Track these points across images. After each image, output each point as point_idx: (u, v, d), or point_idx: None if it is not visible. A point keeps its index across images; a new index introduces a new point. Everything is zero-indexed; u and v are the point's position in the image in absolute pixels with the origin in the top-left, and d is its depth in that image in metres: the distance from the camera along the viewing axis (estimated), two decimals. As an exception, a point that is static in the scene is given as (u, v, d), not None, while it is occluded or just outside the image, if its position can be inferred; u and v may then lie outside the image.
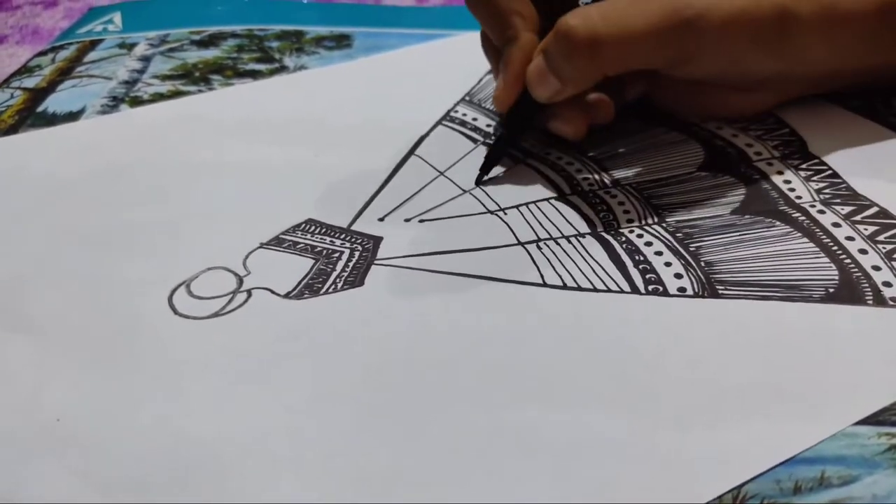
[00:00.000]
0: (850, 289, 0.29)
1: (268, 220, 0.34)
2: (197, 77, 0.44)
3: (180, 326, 0.29)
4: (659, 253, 0.31)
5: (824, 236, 0.32)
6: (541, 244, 0.32)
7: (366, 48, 0.47)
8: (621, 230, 0.33)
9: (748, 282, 0.30)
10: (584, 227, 0.33)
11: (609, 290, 0.30)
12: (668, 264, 0.31)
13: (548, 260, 0.31)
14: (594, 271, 0.31)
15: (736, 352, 0.27)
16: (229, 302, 0.30)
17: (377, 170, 0.37)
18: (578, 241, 0.32)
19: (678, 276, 0.30)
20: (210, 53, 0.47)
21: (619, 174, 0.36)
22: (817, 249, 0.31)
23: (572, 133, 0.36)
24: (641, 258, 0.31)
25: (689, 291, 0.30)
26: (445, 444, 0.25)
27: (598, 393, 0.26)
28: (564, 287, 0.30)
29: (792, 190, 0.34)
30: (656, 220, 0.33)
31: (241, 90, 0.44)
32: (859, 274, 0.30)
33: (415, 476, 0.24)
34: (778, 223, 0.32)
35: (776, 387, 0.26)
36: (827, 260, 0.30)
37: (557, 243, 0.32)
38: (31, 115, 0.43)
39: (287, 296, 0.30)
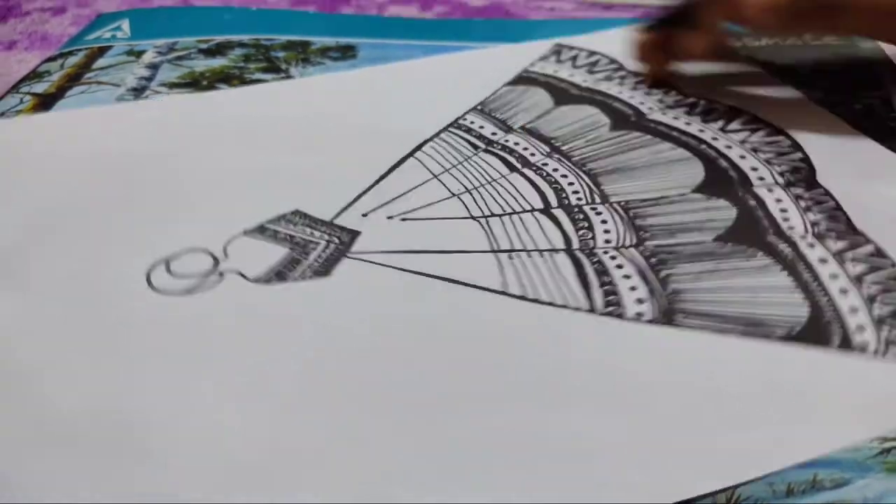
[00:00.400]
0: (817, 330, 0.28)
1: (258, 210, 0.35)
2: (204, 85, 0.46)
3: (152, 299, 0.31)
4: (627, 276, 0.31)
5: (806, 272, 0.30)
6: (513, 255, 0.32)
7: (371, 59, 0.48)
8: (595, 250, 0.32)
9: (710, 313, 0.29)
10: (560, 243, 0.33)
11: (565, 307, 0.30)
12: (632, 288, 0.30)
13: (516, 270, 0.31)
14: (558, 287, 0.30)
15: (673, 383, 0.26)
16: (202, 282, 0.32)
17: (373, 169, 0.38)
18: (551, 256, 0.32)
19: (640, 300, 0.30)
20: (217, 62, 0.48)
21: (611, 190, 0.35)
22: (794, 285, 0.30)
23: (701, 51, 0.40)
24: (608, 280, 0.31)
25: (647, 317, 0.29)
26: (375, 433, 0.25)
27: (521, 402, 0.26)
28: (523, 298, 0.30)
29: (786, 219, 0.33)
30: (635, 242, 0.32)
31: (257, 90, 0.46)
32: (832, 315, 0.28)
33: (342, 455, 0.25)
34: (759, 254, 0.31)
35: (703, 425, 0.25)
36: (801, 297, 0.29)
37: (529, 255, 0.32)
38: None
39: (256, 280, 0.32)
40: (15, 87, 0.46)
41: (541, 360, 0.28)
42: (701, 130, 0.39)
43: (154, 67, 0.48)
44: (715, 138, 0.38)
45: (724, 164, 0.36)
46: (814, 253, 0.31)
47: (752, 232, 0.32)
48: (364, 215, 0.35)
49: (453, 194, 0.36)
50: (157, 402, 0.27)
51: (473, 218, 0.34)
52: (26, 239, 0.34)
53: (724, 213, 0.34)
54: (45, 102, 0.44)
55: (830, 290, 0.29)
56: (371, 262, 0.32)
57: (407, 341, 0.29)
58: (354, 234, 0.34)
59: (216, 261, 0.33)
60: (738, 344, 0.28)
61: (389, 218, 0.35)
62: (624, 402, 0.26)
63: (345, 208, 0.35)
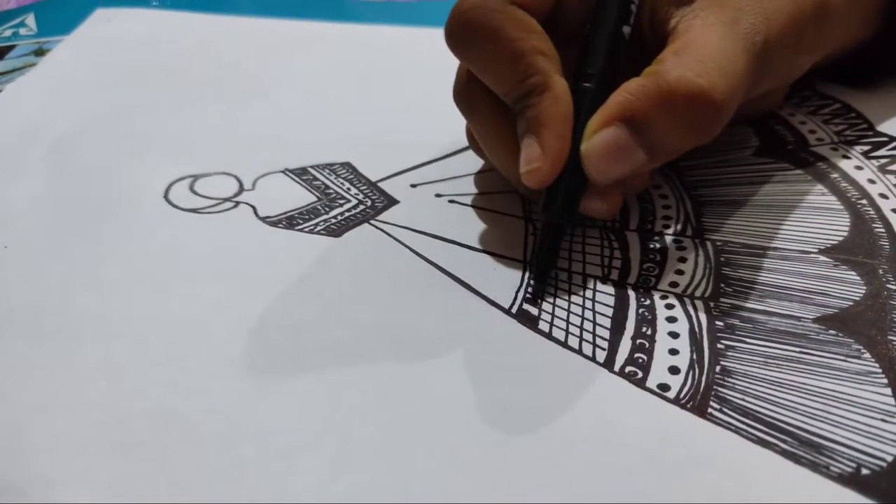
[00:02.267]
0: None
1: (311, 152, 0.32)
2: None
3: (160, 208, 0.30)
4: (674, 335, 0.24)
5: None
6: (551, 272, 0.26)
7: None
8: (653, 290, 0.25)
9: (757, 414, 0.21)
10: (614, 272, 0.26)
11: (576, 352, 0.23)
12: (673, 352, 0.23)
13: (537, 291, 0.25)
14: (580, 325, 0.24)
15: (671, 487, 0.19)
16: (215, 206, 0.30)
17: (448, 140, 0.33)
18: (595, 284, 0.26)
19: (674, 370, 0.23)
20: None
21: (713, 224, 0.28)
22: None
23: (608, 212, 0.26)
24: (647, 331, 0.24)
25: (671, 394, 0.22)
26: (340, 399, 0.22)
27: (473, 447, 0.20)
28: (531, 327, 0.24)
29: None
30: (709, 294, 0.25)
31: (371, 30, 0.43)
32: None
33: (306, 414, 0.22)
34: (866, 355, 0.22)
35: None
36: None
37: (569, 278, 0.26)
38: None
39: (264, 219, 0.29)
40: None
41: (520, 401, 0.22)
42: (871, 181, 0.29)
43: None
44: (884, 195, 0.29)
45: (880, 228, 0.27)
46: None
47: (878, 325, 0.23)
48: (413, 186, 0.31)
49: (517, 191, 0.30)
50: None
51: (526, 219, 0.29)
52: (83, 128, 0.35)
53: (849, 288, 0.25)
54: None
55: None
56: (389, 234, 0.28)
57: (382, 325, 0.24)
58: (391, 202, 0.30)
59: (240, 189, 0.30)
60: (776, 464, 0.20)
61: (438, 196, 0.30)
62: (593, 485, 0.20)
63: (398, 173, 0.31)
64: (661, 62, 0.24)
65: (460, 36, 0.25)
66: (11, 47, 0.42)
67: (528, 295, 0.25)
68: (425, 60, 0.39)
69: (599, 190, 0.26)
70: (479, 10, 0.25)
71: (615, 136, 0.24)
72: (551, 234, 0.26)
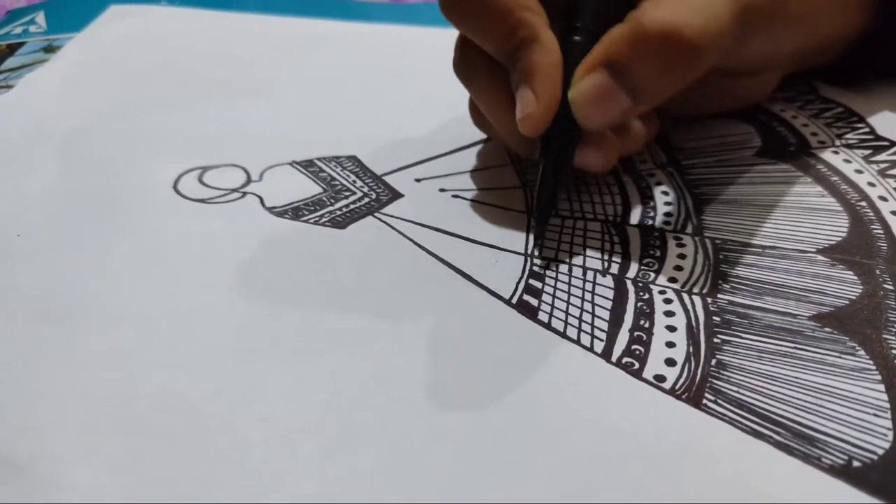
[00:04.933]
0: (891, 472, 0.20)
1: (318, 146, 0.33)
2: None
3: (169, 198, 0.30)
4: (671, 328, 0.24)
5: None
6: (551, 264, 0.27)
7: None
8: (651, 285, 0.26)
9: (751, 406, 0.21)
10: (614, 265, 0.26)
11: (575, 342, 0.24)
12: (670, 344, 0.23)
13: (540, 282, 0.26)
14: (578, 315, 0.25)
15: (666, 476, 0.20)
16: (223, 196, 0.30)
17: (453, 137, 0.33)
18: (595, 276, 0.26)
19: (670, 361, 0.23)
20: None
21: (712, 222, 0.28)
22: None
23: (603, 164, 0.28)
24: (645, 324, 0.24)
25: (667, 385, 0.22)
26: (341, 385, 0.23)
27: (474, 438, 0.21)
28: (530, 317, 0.25)
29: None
30: (706, 290, 0.25)
31: (367, 29, 0.43)
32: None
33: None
34: (861, 352, 0.23)
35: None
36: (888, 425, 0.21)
37: (570, 270, 0.26)
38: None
39: (270, 209, 0.29)
40: None
41: (519, 392, 0.22)
42: (871, 184, 0.30)
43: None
44: (884, 198, 0.29)
45: (878, 229, 0.28)
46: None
47: (874, 323, 0.24)
48: (417, 180, 0.31)
49: (522, 185, 0.31)
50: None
51: (528, 213, 0.29)
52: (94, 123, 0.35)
53: (847, 287, 0.25)
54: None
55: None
56: (395, 228, 0.28)
57: (384, 318, 0.25)
58: (396, 196, 0.30)
59: (248, 181, 0.31)
60: (770, 455, 0.20)
61: (442, 190, 0.30)
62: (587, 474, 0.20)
63: (403, 167, 0.32)
64: (640, 7, 0.25)
65: (451, 1, 0.27)
66: (21, 44, 0.43)
67: (525, 293, 0.26)
68: (430, 59, 0.39)
69: (595, 141, 0.27)
70: None
71: (599, 81, 0.25)
72: (550, 177, 0.27)
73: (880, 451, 0.20)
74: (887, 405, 0.21)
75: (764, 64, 0.32)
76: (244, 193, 0.30)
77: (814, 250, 0.27)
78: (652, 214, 0.29)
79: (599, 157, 0.27)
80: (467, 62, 0.28)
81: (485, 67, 0.28)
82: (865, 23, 0.33)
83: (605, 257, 0.27)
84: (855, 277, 0.26)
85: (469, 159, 0.32)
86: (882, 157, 0.31)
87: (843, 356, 0.23)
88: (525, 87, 0.26)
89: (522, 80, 0.26)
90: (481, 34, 0.27)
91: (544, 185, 0.27)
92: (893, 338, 0.23)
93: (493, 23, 0.26)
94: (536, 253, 0.27)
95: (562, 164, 0.27)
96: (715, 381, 0.22)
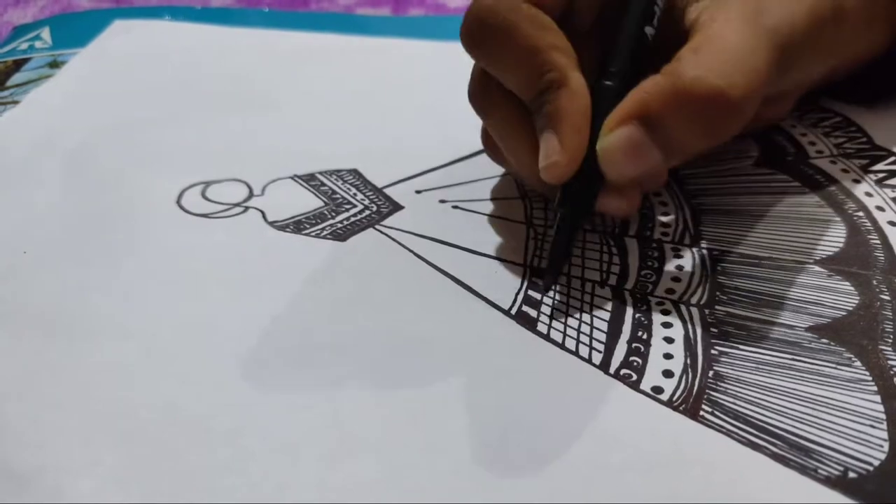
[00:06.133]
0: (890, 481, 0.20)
1: (319, 160, 0.33)
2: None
3: (173, 213, 0.31)
4: (669, 340, 0.24)
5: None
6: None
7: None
8: (650, 296, 0.26)
9: (748, 418, 0.22)
10: (612, 277, 0.27)
11: (573, 354, 0.24)
12: (667, 356, 0.24)
13: (540, 293, 0.26)
14: (577, 327, 0.25)
15: (663, 488, 0.20)
16: (225, 211, 0.30)
17: (452, 148, 0.33)
18: (593, 287, 0.26)
19: (667, 373, 0.23)
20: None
21: (711, 233, 0.28)
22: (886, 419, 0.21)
23: (627, 209, 0.27)
24: (643, 335, 0.24)
25: (665, 397, 0.22)
26: (341, 396, 0.23)
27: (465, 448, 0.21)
28: (529, 328, 0.25)
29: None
30: (704, 301, 0.26)
31: (368, 42, 0.44)
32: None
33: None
34: (857, 364, 0.23)
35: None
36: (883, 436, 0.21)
37: (569, 281, 0.27)
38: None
39: (272, 223, 0.30)
40: None
41: (516, 400, 0.22)
42: (869, 194, 0.30)
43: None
44: (881, 208, 0.29)
45: (875, 240, 0.28)
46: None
47: (870, 335, 0.24)
48: (418, 192, 0.31)
49: (521, 196, 0.31)
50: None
51: (527, 224, 0.29)
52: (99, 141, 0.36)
53: (843, 298, 0.25)
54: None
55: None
56: (395, 239, 0.29)
57: (385, 328, 0.25)
58: (396, 208, 0.30)
59: (250, 195, 0.31)
60: (767, 466, 0.20)
61: (442, 202, 0.31)
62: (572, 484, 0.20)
63: (403, 180, 0.32)
64: (680, 60, 0.24)
65: (476, 37, 0.26)
66: (27, 59, 0.43)
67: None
68: (430, 73, 0.40)
69: (617, 187, 0.26)
70: (493, 10, 0.25)
71: (631, 134, 0.24)
72: (567, 227, 0.26)
73: (876, 462, 0.20)
74: (883, 416, 0.21)
75: (792, 90, 0.31)
76: (246, 208, 0.30)
77: (811, 261, 0.27)
78: (650, 226, 0.29)
79: (623, 204, 0.26)
80: (486, 96, 0.27)
81: (506, 104, 0.26)
82: (892, 38, 0.32)
83: (604, 269, 0.27)
84: (852, 288, 0.26)
85: (469, 170, 0.32)
86: (880, 166, 0.31)
87: (839, 367, 0.23)
88: (550, 133, 0.24)
89: (548, 125, 0.25)
90: (506, 74, 0.26)
91: (561, 235, 0.26)
92: (889, 349, 0.23)
93: (519, 62, 0.25)
94: (542, 288, 0.26)
95: (582, 214, 0.26)
96: (712, 393, 0.22)
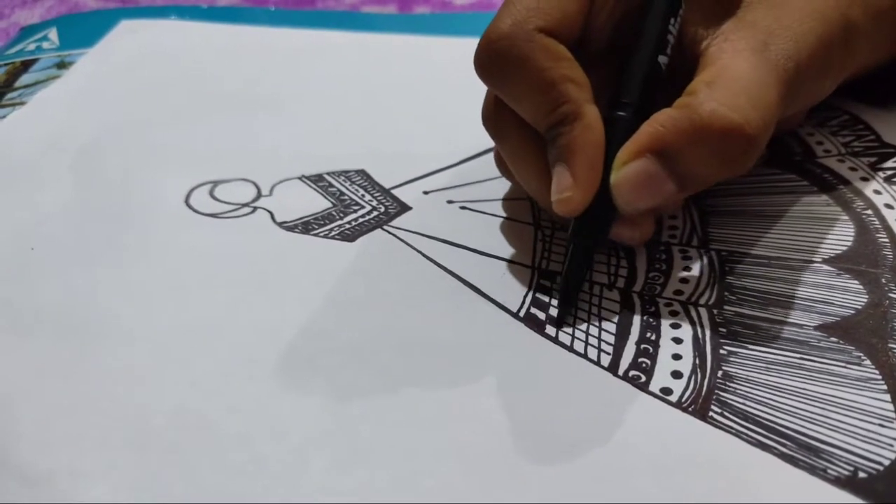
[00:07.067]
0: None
1: (327, 160, 0.33)
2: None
3: (181, 213, 0.31)
4: (677, 340, 0.24)
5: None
6: (559, 278, 0.27)
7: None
8: (658, 298, 0.26)
9: (757, 418, 0.22)
10: (620, 279, 0.27)
11: (581, 356, 0.24)
12: (676, 357, 0.24)
13: (548, 295, 0.26)
14: (585, 329, 0.25)
15: (672, 488, 0.20)
16: (234, 211, 0.30)
17: (460, 148, 0.34)
18: (601, 290, 0.26)
19: (676, 374, 0.23)
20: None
21: (718, 234, 0.28)
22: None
23: (640, 238, 0.27)
24: (651, 336, 0.24)
25: (674, 398, 0.22)
26: (351, 399, 0.23)
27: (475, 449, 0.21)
28: (537, 330, 0.25)
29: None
30: (713, 302, 0.26)
31: (375, 40, 0.44)
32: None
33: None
34: (866, 362, 0.23)
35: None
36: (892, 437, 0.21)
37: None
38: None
39: (280, 224, 0.30)
40: None
41: (525, 402, 0.23)
42: (877, 192, 0.30)
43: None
44: (890, 206, 0.29)
45: (884, 238, 0.28)
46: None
47: (879, 333, 0.24)
48: (425, 193, 0.31)
49: (529, 196, 0.31)
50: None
51: (535, 225, 0.29)
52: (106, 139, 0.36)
53: (852, 297, 0.25)
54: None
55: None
56: (403, 240, 0.29)
57: (391, 329, 0.25)
58: (404, 209, 0.30)
59: (258, 195, 0.31)
60: (777, 467, 0.20)
61: (449, 202, 0.31)
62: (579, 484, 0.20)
63: (411, 180, 0.32)
64: (694, 93, 0.24)
65: (490, 67, 0.26)
66: (35, 60, 0.43)
67: (532, 306, 0.26)
68: (438, 70, 0.40)
69: (631, 217, 0.26)
70: (507, 41, 0.25)
71: (645, 167, 0.24)
72: (580, 257, 0.26)
73: (886, 462, 0.20)
74: (893, 415, 0.21)
75: (803, 107, 0.31)
76: (255, 208, 0.31)
77: (820, 260, 0.27)
78: (657, 227, 0.29)
79: (636, 234, 0.27)
80: (499, 122, 0.27)
81: (519, 131, 0.26)
82: None
83: (612, 271, 0.27)
84: (861, 287, 0.26)
85: (476, 170, 0.32)
86: (888, 164, 0.31)
87: (848, 366, 0.23)
88: (563, 166, 0.24)
89: (561, 158, 0.25)
90: (521, 105, 0.26)
91: (573, 266, 0.26)
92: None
93: (533, 94, 0.25)
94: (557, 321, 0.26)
95: (595, 245, 0.26)
96: (721, 393, 0.23)
